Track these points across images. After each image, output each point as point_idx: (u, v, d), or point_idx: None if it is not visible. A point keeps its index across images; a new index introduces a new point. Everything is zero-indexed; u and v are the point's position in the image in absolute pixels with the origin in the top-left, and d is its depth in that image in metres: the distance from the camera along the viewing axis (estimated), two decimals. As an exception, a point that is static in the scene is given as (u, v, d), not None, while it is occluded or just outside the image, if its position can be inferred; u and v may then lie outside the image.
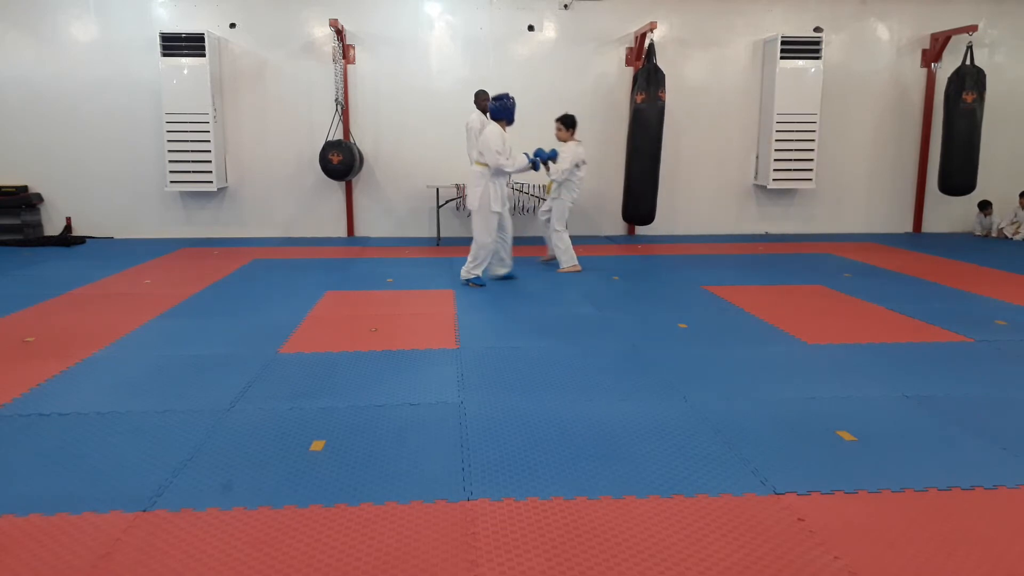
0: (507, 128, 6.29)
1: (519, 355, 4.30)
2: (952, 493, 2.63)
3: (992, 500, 2.59)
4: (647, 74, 8.65)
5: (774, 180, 9.35)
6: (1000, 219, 9.60)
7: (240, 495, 2.59)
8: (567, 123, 6.94)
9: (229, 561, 2.20)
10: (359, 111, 9.18)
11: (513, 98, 6.30)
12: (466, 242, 8.24)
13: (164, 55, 8.49)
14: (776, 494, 2.61)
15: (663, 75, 8.70)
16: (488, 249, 6.36)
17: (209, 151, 8.68)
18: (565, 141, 6.92)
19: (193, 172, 8.73)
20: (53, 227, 9.15)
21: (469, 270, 6.40)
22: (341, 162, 8.51)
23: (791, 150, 9.26)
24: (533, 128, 9.04)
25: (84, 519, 2.43)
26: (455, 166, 8.80)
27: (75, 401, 3.52)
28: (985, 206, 9.64)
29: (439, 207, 8.95)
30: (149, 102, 8.80)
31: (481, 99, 7.92)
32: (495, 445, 3.02)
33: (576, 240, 9.09)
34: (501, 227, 6.43)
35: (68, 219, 9.15)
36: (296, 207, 9.38)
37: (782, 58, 9.03)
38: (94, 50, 8.83)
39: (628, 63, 9.35)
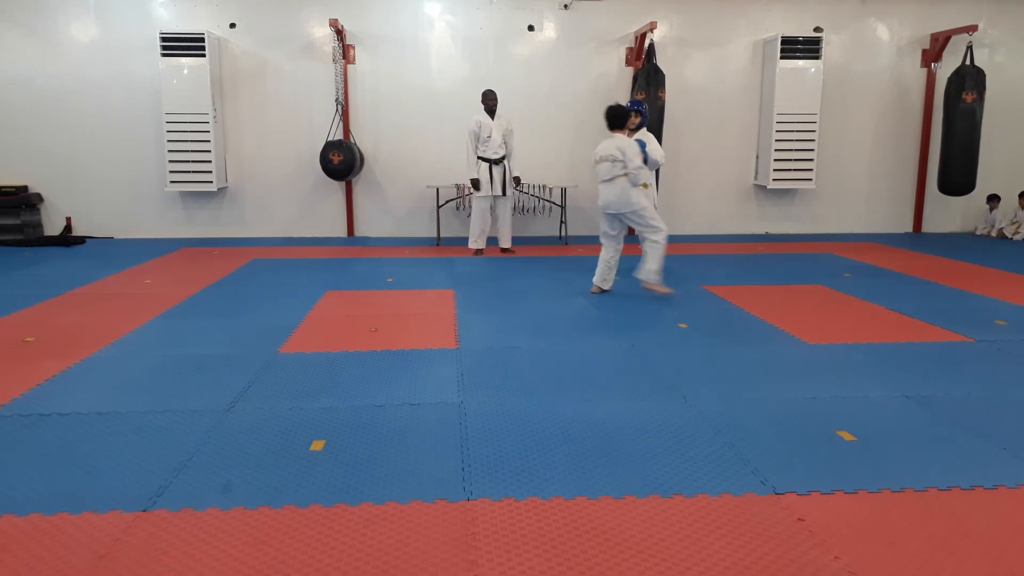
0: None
1: (519, 355, 4.30)
2: (952, 493, 2.63)
3: (992, 500, 2.59)
4: (647, 74, 8.66)
5: (774, 180, 9.34)
6: (1001, 218, 9.61)
7: (240, 495, 2.59)
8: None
9: (229, 561, 2.20)
10: (359, 111, 9.18)
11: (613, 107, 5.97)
12: (464, 241, 8.26)
13: (164, 55, 8.49)
14: (776, 494, 2.61)
15: (663, 75, 8.70)
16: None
17: (209, 151, 8.68)
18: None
19: (193, 172, 8.73)
20: (53, 227, 9.15)
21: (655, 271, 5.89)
22: (342, 162, 8.51)
23: (791, 150, 9.25)
24: (533, 128, 9.06)
25: (84, 519, 2.43)
26: (455, 166, 8.80)
27: (75, 401, 3.52)
28: (993, 199, 9.64)
29: (439, 207, 8.94)
30: (149, 102, 8.80)
31: (488, 99, 7.85)
32: (495, 445, 3.02)
33: (577, 240, 9.12)
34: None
35: (68, 219, 9.14)
36: (296, 207, 9.38)
37: (782, 58, 9.02)
38: (94, 50, 8.82)
39: (628, 63, 9.35)
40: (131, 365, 4.09)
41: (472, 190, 7.95)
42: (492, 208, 8.10)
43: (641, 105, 6.53)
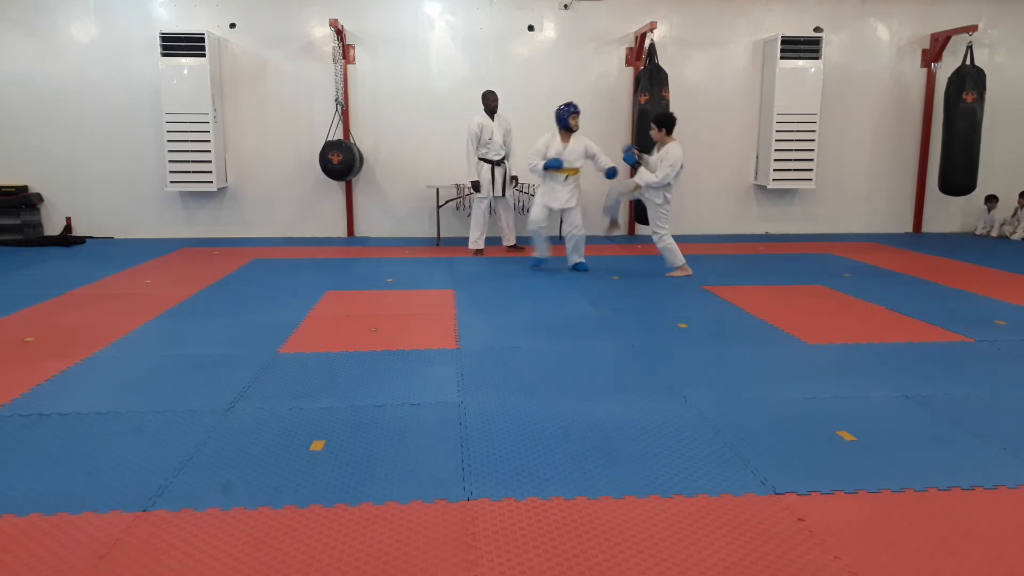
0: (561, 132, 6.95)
1: (519, 355, 4.30)
2: (952, 493, 2.63)
3: (992, 500, 2.59)
4: (649, 74, 8.66)
5: (774, 180, 9.35)
6: (1001, 218, 9.61)
7: (240, 495, 2.59)
8: (659, 123, 6.66)
9: (229, 561, 2.20)
10: (359, 111, 9.18)
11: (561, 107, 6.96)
12: (464, 241, 8.27)
13: (164, 55, 8.49)
14: (776, 494, 2.61)
15: (665, 75, 8.70)
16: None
17: (209, 151, 8.68)
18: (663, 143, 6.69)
19: (193, 172, 8.73)
20: (53, 227, 9.15)
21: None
22: (341, 162, 8.51)
23: (791, 150, 9.25)
24: (533, 128, 9.05)
25: (84, 519, 2.43)
26: (455, 166, 8.81)
27: (75, 401, 3.51)
28: (991, 199, 9.65)
29: (439, 207, 8.94)
30: (149, 102, 8.80)
31: (490, 100, 7.84)
32: (495, 445, 3.02)
33: (576, 240, 9.12)
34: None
35: (68, 219, 9.15)
36: (296, 207, 9.38)
37: (782, 58, 9.02)
38: (94, 50, 8.82)
39: (628, 63, 9.35)
40: (131, 365, 4.09)
41: (472, 191, 7.95)
42: (493, 208, 8.11)
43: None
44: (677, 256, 6.79)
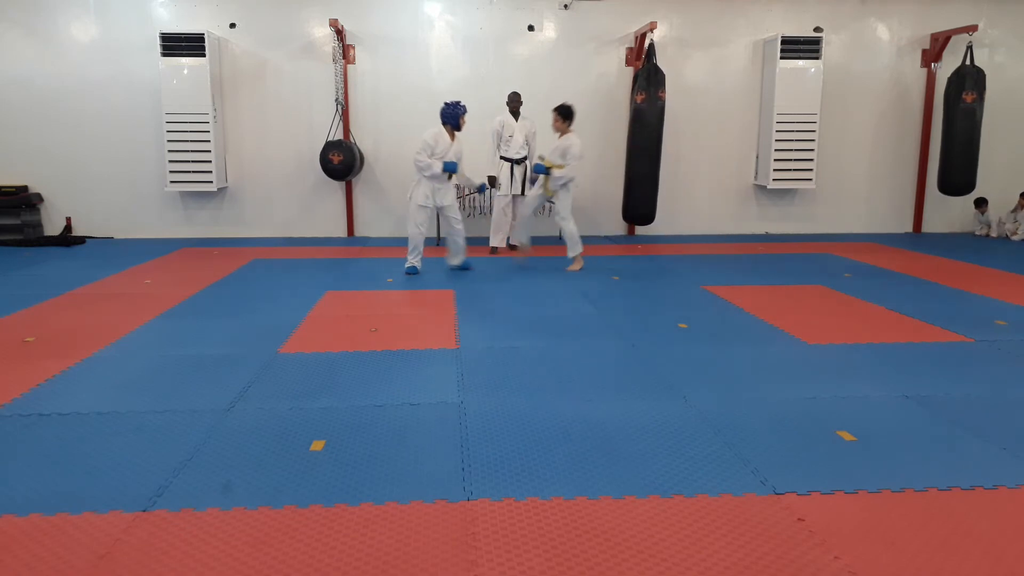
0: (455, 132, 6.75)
1: (519, 355, 4.30)
2: (952, 493, 2.63)
3: (992, 500, 2.59)
4: (647, 74, 8.66)
5: (774, 180, 9.34)
6: (997, 216, 9.60)
7: (240, 495, 2.59)
8: (565, 114, 6.94)
9: (229, 561, 2.20)
10: (359, 111, 9.18)
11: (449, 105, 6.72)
12: (466, 242, 8.26)
13: (164, 55, 8.49)
14: (776, 494, 2.61)
15: (663, 75, 8.70)
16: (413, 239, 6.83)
17: (209, 151, 8.68)
18: (564, 133, 6.95)
19: (193, 172, 8.73)
20: (53, 227, 9.15)
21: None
22: (341, 162, 8.51)
23: (791, 150, 9.25)
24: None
25: (84, 519, 2.43)
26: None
27: (75, 401, 3.52)
28: (981, 203, 9.66)
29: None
30: (149, 102, 8.80)
31: (512, 101, 8.09)
32: (495, 445, 3.02)
33: (576, 240, 9.12)
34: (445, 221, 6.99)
35: (68, 219, 9.14)
36: (296, 207, 9.38)
37: (782, 58, 9.03)
38: (94, 50, 8.82)
39: (628, 63, 9.35)
40: (131, 365, 4.09)
41: (489, 186, 8.03)
42: (511, 207, 8.24)
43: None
44: (578, 244, 7.04)
